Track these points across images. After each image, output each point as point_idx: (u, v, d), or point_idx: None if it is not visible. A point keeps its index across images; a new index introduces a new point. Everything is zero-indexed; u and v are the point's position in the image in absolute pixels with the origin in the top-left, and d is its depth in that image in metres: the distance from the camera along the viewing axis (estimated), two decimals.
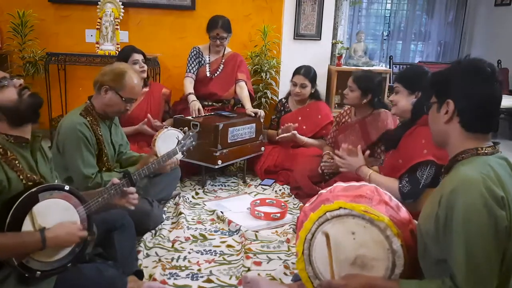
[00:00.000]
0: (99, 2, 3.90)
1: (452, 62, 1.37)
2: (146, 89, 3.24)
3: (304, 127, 3.42)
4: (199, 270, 2.12)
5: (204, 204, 2.92)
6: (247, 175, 3.44)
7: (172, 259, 2.21)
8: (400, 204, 1.53)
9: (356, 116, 2.97)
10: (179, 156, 2.40)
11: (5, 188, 1.44)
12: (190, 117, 3.18)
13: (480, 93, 1.26)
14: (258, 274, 2.08)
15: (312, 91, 3.49)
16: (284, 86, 4.06)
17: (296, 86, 3.44)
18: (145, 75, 3.14)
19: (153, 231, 2.43)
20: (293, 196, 3.11)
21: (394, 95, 2.28)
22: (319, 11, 4.28)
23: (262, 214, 2.71)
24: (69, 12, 4.15)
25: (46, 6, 4.09)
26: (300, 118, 3.44)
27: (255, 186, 3.28)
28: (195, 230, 2.53)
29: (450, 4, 6.63)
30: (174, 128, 2.72)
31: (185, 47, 3.76)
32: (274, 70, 4.20)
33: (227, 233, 2.52)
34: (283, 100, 3.66)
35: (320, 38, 4.34)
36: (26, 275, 1.44)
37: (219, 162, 3.04)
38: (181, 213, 2.68)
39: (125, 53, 3.05)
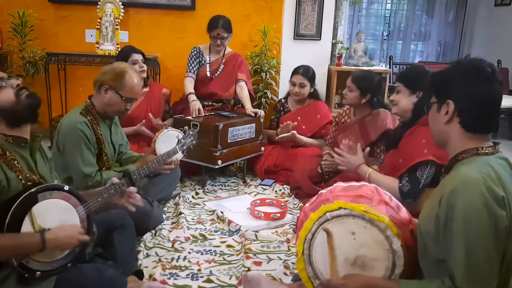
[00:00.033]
0: (99, 2, 3.90)
1: (452, 62, 1.36)
2: (146, 89, 3.24)
3: (304, 126, 3.42)
4: (199, 270, 2.12)
5: (204, 204, 2.92)
6: (247, 175, 3.44)
7: (172, 259, 2.20)
8: (400, 204, 1.53)
9: (356, 116, 2.97)
10: (180, 155, 2.39)
11: (4, 188, 1.44)
12: (190, 117, 3.18)
13: (481, 93, 1.25)
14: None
15: (311, 91, 3.49)
16: (284, 86, 4.06)
17: (295, 85, 3.44)
18: (144, 75, 3.14)
19: (153, 231, 2.43)
20: (293, 196, 3.11)
21: (395, 95, 2.28)
22: (319, 11, 4.27)
23: (262, 214, 2.70)
24: (69, 12, 4.15)
25: (46, 6, 4.09)
26: (299, 118, 3.44)
27: (255, 186, 3.28)
28: (195, 230, 2.53)
29: (450, 4, 6.63)
30: (174, 129, 2.72)
31: (185, 47, 3.76)
32: (274, 70, 4.20)
33: (227, 233, 2.52)
34: (282, 100, 3.66)
35: (320, 38, 4.34)
36: (26, 275, 1.44)
37: (219, 162, 3.03)
38: (181, 213, 2.67)
39: (125, 53, 3.05)
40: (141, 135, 3.10)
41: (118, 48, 3.84)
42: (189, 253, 2.28)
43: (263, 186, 3.27)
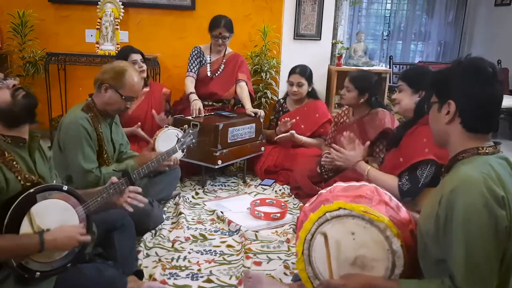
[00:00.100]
0: (99, 2, 3.89)
1: (453, 61, 1.36)
2: (146, 89, 3.24)
3: (302, 126, 3.42)
4: (199, 270, 2.12)
5: (204, 204, 2.92)
6: (247, 175, 3.43)
7: (172, 259, 2.20)
8: (400, 204, 1.52)
9: (354, 116, 2.97)
10: (180, 155, 2.39)
11: (3, 189, 1.44)
12: (190, 117, 3.18)
13: (482, 94, 1.25)
14: None
15: (309, 90, 3.50)
16: (284, 86, 4.04)
17: (293, 85, 3.44)
18: (144, 75, 3.14)
19: (153, 231, 2.43)
20: (293, 196, 3.11)
21: (398, 93, 2.27)
22: (319, 11, 4.27)
23: (262, 214, 2.70)
24: (69, 12, 4.15)
25: (46, 6, 4.09)
26: (298, 118, 3.44)
27: (255, 186, 3.28)
28: (195, 230, 2.52)
29: (450, 4, 6.63)
30: (174, 127, 2.72)
31: (185, 47, 3.76)
32: (274, 70, 4.20)
33: (227, 233, 2.52)
34: (281, 100, 3.67)
35: (320, 38, 4.33)
36: (26, 276, 1.44)
37: (219, 162, 3.03)
38: (181, 213, 2.67)
39: (124, 54, 3.04)
40: None
41: (118, 48, 3.84)
42: (189, 253, 2.28)
43: (263, 186, 3.27)
